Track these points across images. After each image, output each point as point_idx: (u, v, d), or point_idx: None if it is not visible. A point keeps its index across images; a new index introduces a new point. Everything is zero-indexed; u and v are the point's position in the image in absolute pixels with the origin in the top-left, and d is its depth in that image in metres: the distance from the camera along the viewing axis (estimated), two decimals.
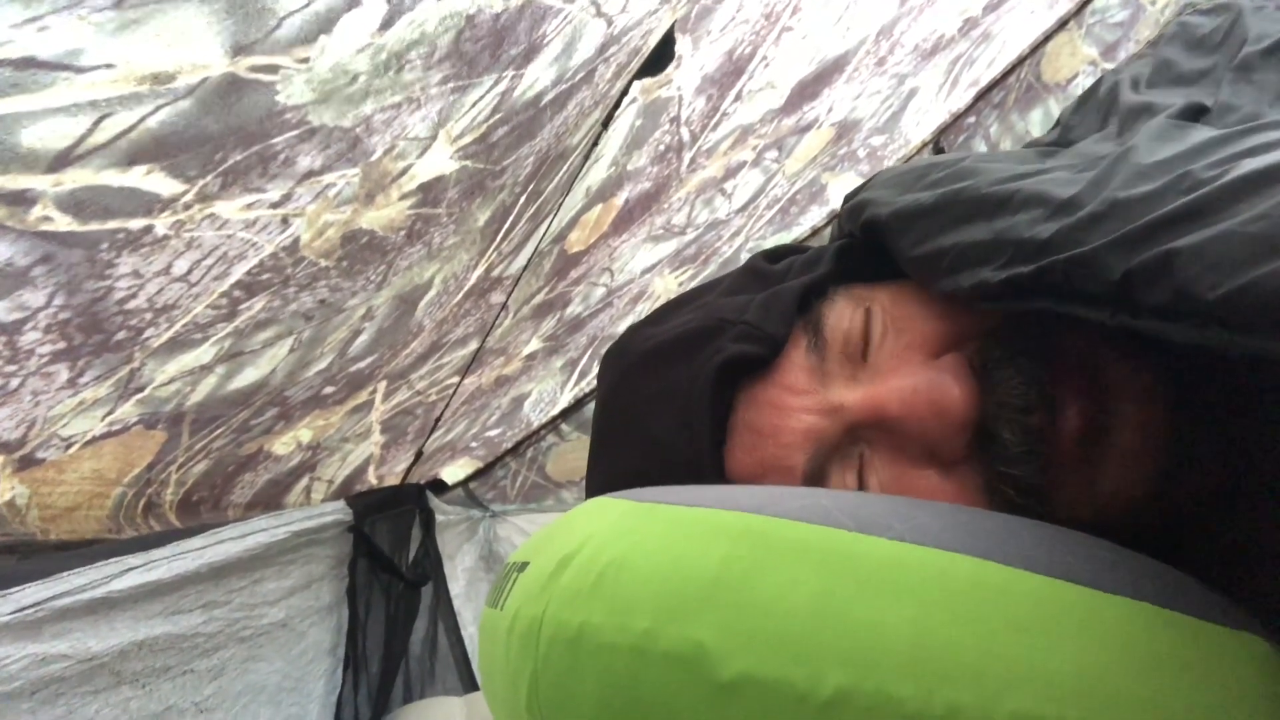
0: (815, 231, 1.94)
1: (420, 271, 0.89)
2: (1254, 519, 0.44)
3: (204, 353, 0.68)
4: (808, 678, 0.30)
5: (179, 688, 0.81)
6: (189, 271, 0.55)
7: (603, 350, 1.83)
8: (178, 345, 0.64)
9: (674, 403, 0.48)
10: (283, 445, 1.02)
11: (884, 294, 0.49)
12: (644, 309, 1.74)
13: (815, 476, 0.46)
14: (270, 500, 1.07)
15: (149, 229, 0.48)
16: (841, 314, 0.48)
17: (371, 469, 1.35)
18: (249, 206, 0.52)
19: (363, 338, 0.92)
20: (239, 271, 0.59)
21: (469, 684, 1.19)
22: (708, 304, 0.53)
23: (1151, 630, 0.31)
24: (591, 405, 1.98)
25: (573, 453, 1.93)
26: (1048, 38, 1.94)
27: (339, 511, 1.07)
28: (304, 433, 1.03)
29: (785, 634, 0.31)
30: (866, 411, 0.45)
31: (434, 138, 0.62)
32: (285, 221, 0.58)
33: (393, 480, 1.38)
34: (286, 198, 0.55)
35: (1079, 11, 1.93)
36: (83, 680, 0.73)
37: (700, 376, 0.47)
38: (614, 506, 0.41)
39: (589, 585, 0.35)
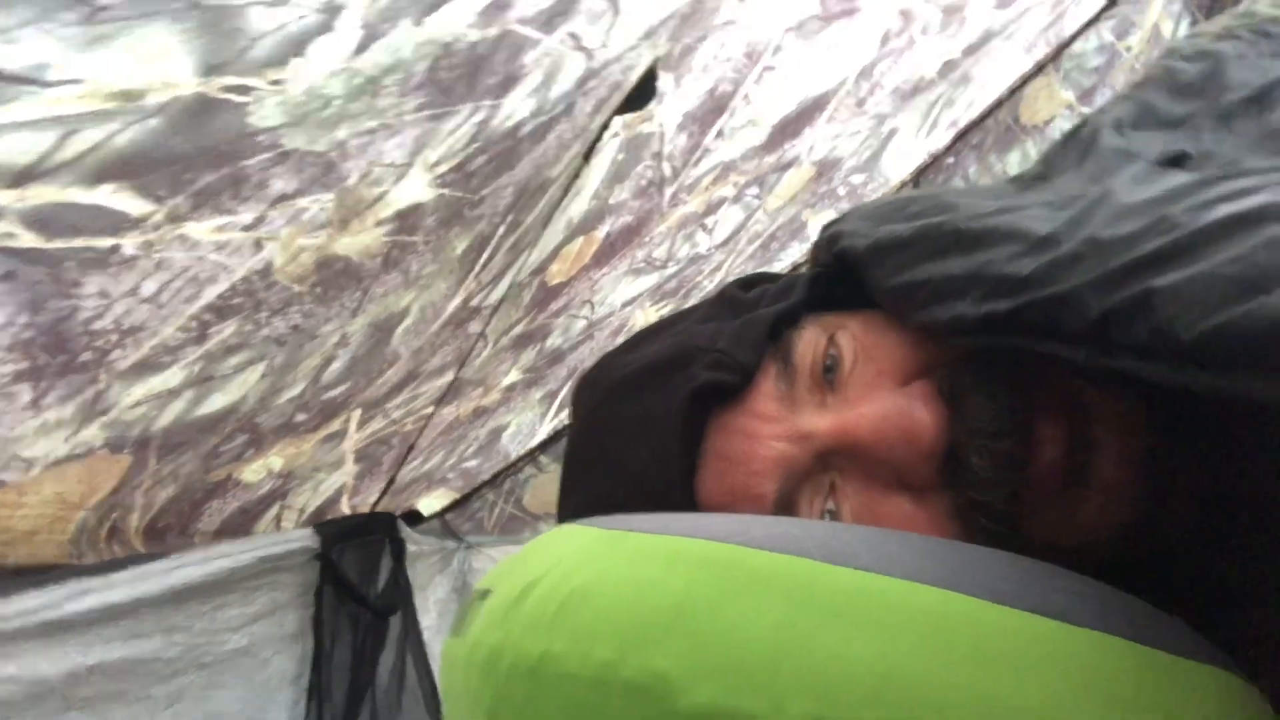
0: (796, 267, 1.96)
1: (397, 299, 0.88)
2: (1238, 556, 0.44)
3: (172, 376, 0.67)
4: (769, 708, 0.30)
5: (134, 714, 0.79)
6: (158, 293, 0.55)
7: None
8: (145, 368, 0.63)
9: (646, 431, 0.48)
10: (253, 473, 1.00)
11: (855, 322, 0.49)
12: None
13: (785, 504, 0.45)
14: (239, 528, 1.05)
15: (116, 248, 0.47)
16: (810, 342, 0.48)
17: (345, 499, 1.33)
18: (220, 229, 0.52)
19: (336, 365, 0.91)
20: (210, 294, 0.59)
21: (435, 716, 1.17)
22: (680, 331, 0.53)
23: (1120, 665, 0.31)
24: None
25: (550, 485, 1.92)
26: (1026, 81, 1.97)
27: (306, 538, 1.06)
28: (275, 460, 1.02)
29: (747, 664, 0.31)
30: (836, 439, 0.45)
31: (410, 165, 0.62)
32: (258, 245, 0.57)
33: (366, 510, 1.36)
34: (259, 220, 0.54)
35: (1056, 56, 1.98)
36: (31, 704, 0.71)
37: (671, 405, 0.47)
38: (579, 534, 0.41)
39: (551, 613, 0.35)
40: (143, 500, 0.83)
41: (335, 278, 0.71)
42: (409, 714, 1.14)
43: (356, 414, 1.11)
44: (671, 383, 0.48)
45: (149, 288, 0.54)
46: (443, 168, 0.67)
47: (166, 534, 0.92)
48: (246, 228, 0.54)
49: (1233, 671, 0.34)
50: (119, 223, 0.45)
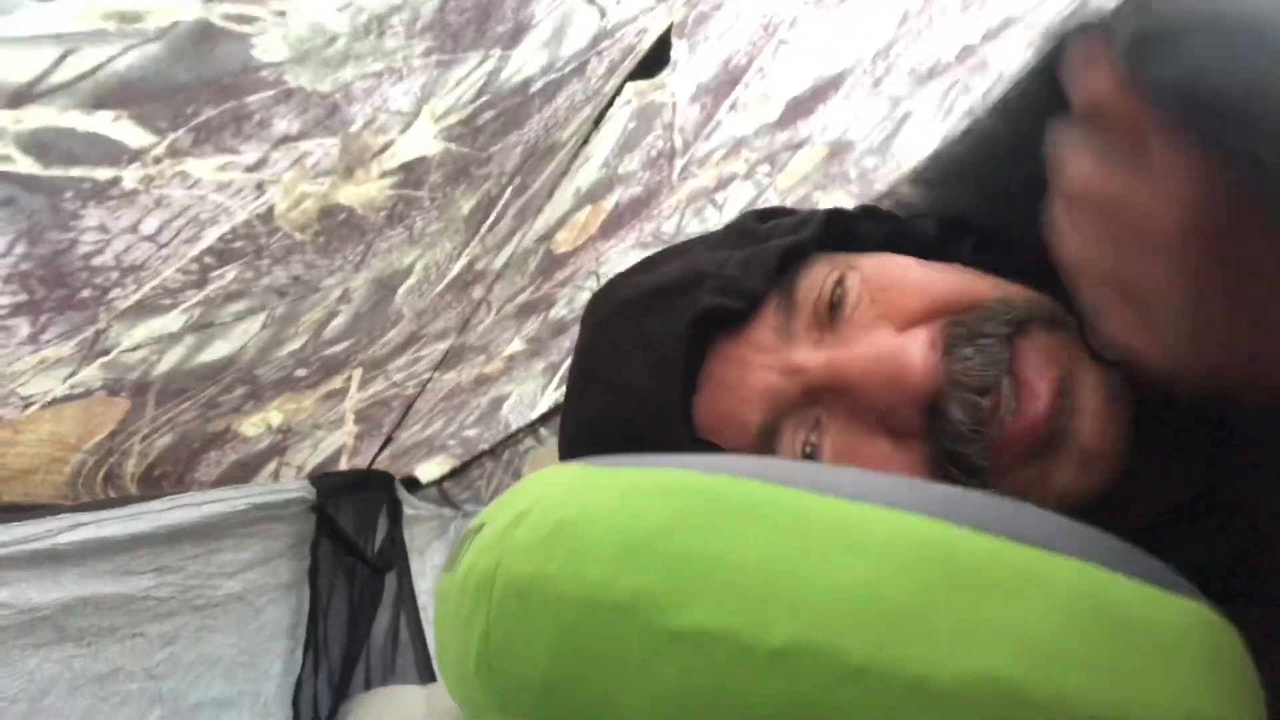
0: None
1: (400, 256, 0.88)
2: (1221, 537, 0.44)
3: (172, 320, 0.67)
4: (756, 628, 0.30)
5: (127, 650, 0.80)
6: (158, 231, 0.54)
7: None
8: (145, 309, 0.63)
9: (649, 351, 0.48)
10: (252, 426, 1.01)
11: (868, 263, 0.49)
12: None
13: (768, 434, 0.46)
14: (237, 481, 1.05)
15: (116, 181, 0.47)
16: (818, 278, 0.48)
17: (344, 459, 1.34)
18: (222, 167, 0.52)
19: (338, 320, 0.91)
20: (211, 236, 0.59)
21: (427, 677, 1.17)
22: (690, 257, 0.53)
23: (1100, 592, 0.31)
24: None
25: (550, 457, 1.92)
26: None
27: (302, 489, 1.06)
28: (274, 415, 1.02)
29: (735, 585, 0.31)
30: (826, 375, 0.45)
31: (417, 114, 0.62)
32: (260, 188, 0.57)
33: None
34: (262, 162, 0.54)
35: None
36: (22, 632, 0.72)
37: (675, 328, 0.47)
38: (570, 470, 0.41)
39: (543, 537, 0.35)
40: (140, 446, 0.83)
41: (338, 228, 0.71)
42: (402, 674, 1.15)
43: (358, 373, 1.11)
44: (676, 306, 0.48)
45: (149, 225, 0.53)
46: (450, 120, 0.66)
47: (163, 482, 0.92)
48: (249, 168, 0.54)
49: (1203, 602, 0.34)
50: (118, 153, 0.45)
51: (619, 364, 0.50)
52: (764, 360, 0.47)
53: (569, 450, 0.54)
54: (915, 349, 0.43)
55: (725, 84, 1.22)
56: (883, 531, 0.32)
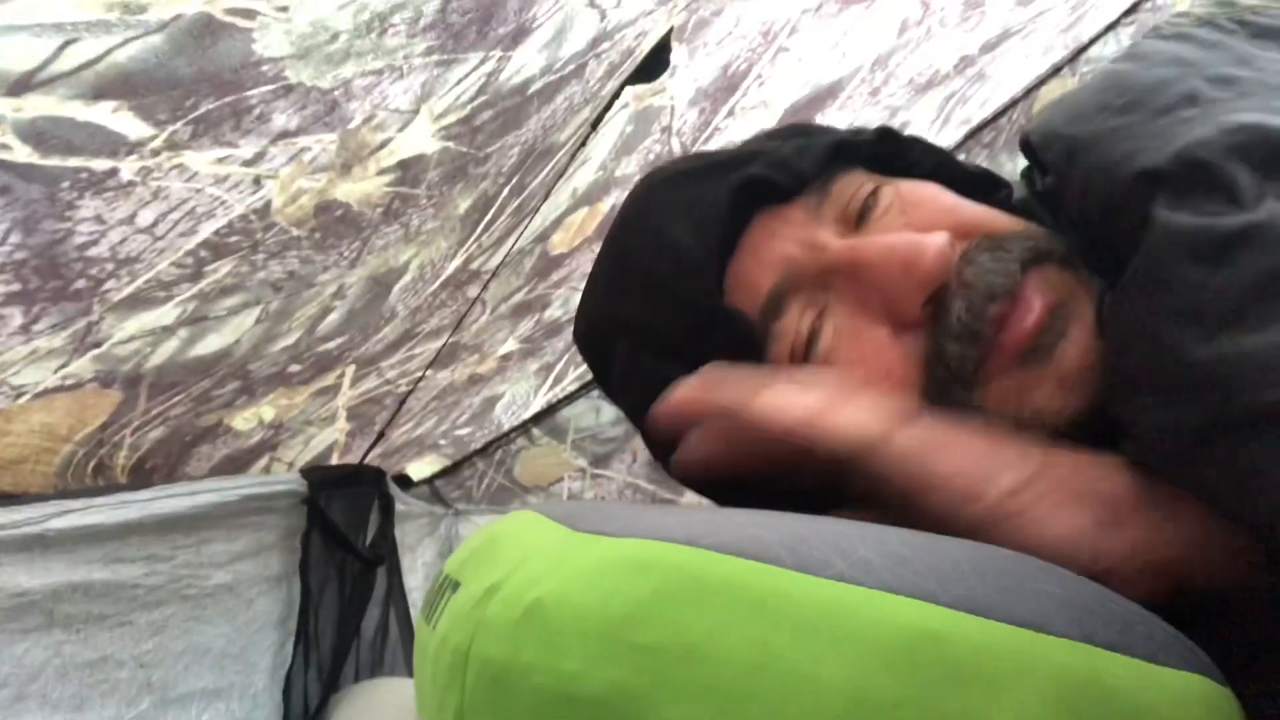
0: None
1: (396, 254, 0.88)
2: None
3: (166, 313, 0.67)
4: None
5: (117, 638, 0.79)
6: (154, 224, 0.54)
7: (578, 358, 1.83)
8: (139, 302, 0.63)
9: (693, 212, 0.50)
10: (243, 421, 1.00)
11: (905, 184, 0.50)
12: None
13: (775, 302, 0.48)
14: (227, 475, 1.05)
15: (114, 172, 0.47)
16: (854, 181, 0.50)
17: (336, 456, 1.33)
18: (220, 161, 0.52)
19: (333, 317, 0.91)
20: (207, 230, 0.59)
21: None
22: (745, 144, 0.56)
23: (1094, 677, 0.30)
24: (564, 412, 1.97)
25: (542, 458, 1.92)
26: (1041, 82, 1.96)
27: (293, 482, 1.06)
28: (266, 410, 1.02)
29: (715, 685, 0.30)
30: (843, 258, 0.47)
31: (416, 112, 0.62)
32: (257, 182, 0.57)
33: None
34: (260, 156, 0.54)
35: (1073, 59, 1.96)
36: (10, 617, 0.71)
37: (723, 192, 0.49)
38: (543, 531, 0.40)
39: (516, 619, 0.34)
40: (131, 439, 0.83)
41: (334, 224, 0.71)
42: (390, 670, 1.15)
43: (351, 370, 1.11)
44: (727, 175, 0.50)
45: (146, 217, 0.53)
46: (448, 119, 0.66)
47: (153, 475, 0.92)
48: (246, 163, 0.54)
49: (1209, 676, 0.33)
50: (117, 144, 0.45)
51: (662, 222, 0.51)
52: (789, 232, 0.49)
53: (589, 304, 0.57)
54: (932, 241, 0.44)
55: (724, 89, 1.22)
56: (869, 619, 0.31)
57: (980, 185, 0.54)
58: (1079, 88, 0.52)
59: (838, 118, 1.56)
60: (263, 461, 1.13)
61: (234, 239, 0.61)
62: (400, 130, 0.62)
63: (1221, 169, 0.37)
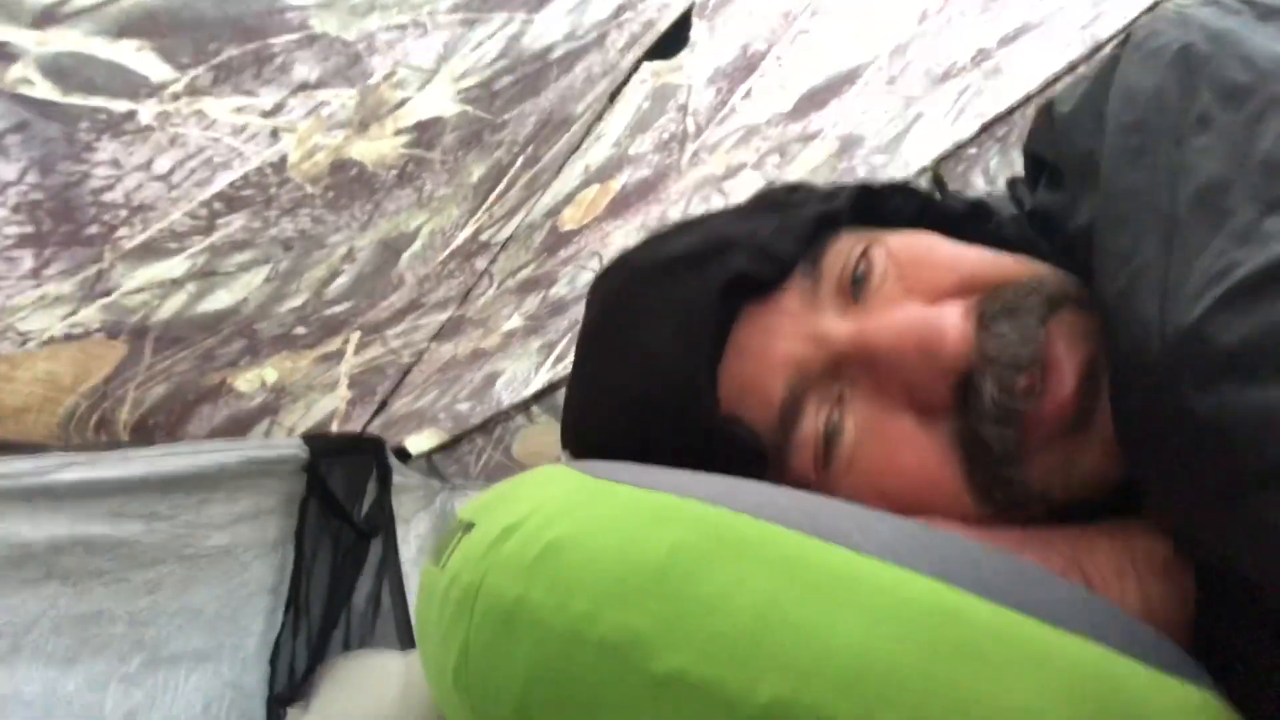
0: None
1: (408, 219, 0.87)
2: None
3: (176, 265, 0.66)
4: (743, 682, 0.29)
5: (113, 594, 0.79)
6: (171, 171, 0.54)
7: None
8: (150, 252, 0.62)
9: (674, 316, 0.46)
10: (247, 382, 1.00)
11: (894, 239, 0.47)
12: None
13: (792, 406, 0.44)
14: (229, 436, 1.05)
15: (133, 114, 0.46)
16: (843, 250, 0.47)
17: (335, 424, 1.33)
18: (239, 110, 0.51)
19: (341, 280, 0.90)
20: (222, 181, 0.58)
21: (407, 644, 1.17)
22: (714, 227, 0.51)
23: (1102, 675, 0.30)
24: (563, 392, 1.97)
25: (540, 436, 1.92)
26: (1057, 79, 1.95)
27: (295, 447, 1.05)
28: (270, 372, 1.01)
29: (726, 634, 0.30)
30: (853, 345, 0.44)
31: (436, 71, 0.61)
32: (275, 135, 0.56)
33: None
34: (279, 108, 0.54)
35: (1090, 57, 1.95)
36: (10, 567, 0.71)
37: (704, 291, 0.45)
38: (566, 478, 0.40)
39: (530, 559, 0.34)
40: (134, 394, 0.82)
41: (348, 184, 0.70)
42: (381, 640, 1.15)
43: (356, 336, 1.10)
44: (706, 270, 0.46)
45: (162, 164, 0.53)
46: (468, 81, 0.66)
47: (155, 433, 0.91)
48: (265, 113, 0.53)
49: (1213, 693, 0.33)
50: (137, 86, 0.44)
51: (640, 328, 0.47)
52: (790, 328, 0.45)
53: (576, 428, 0.52)
54: (949, 318, 0.42)
55: (742, 70, 1.21)
56: (885, 589, 0.31)
57: (968, 220, 0.51)
58: (1077, 82, 0.51)
59: (854, 105, 1.55)
60: (263, 425, 1.13)
61: (248, 192, 0.61)
62: (419, 89, 0.61)
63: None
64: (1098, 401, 0.40)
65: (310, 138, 0.59)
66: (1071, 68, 1.97)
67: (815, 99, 1.41)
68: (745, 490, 0.36)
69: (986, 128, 1.97)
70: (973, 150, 2.00)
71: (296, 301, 0.88)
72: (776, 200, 0.52)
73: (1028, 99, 1.97)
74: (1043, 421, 0.40)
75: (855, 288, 0.45)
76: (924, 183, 2.07)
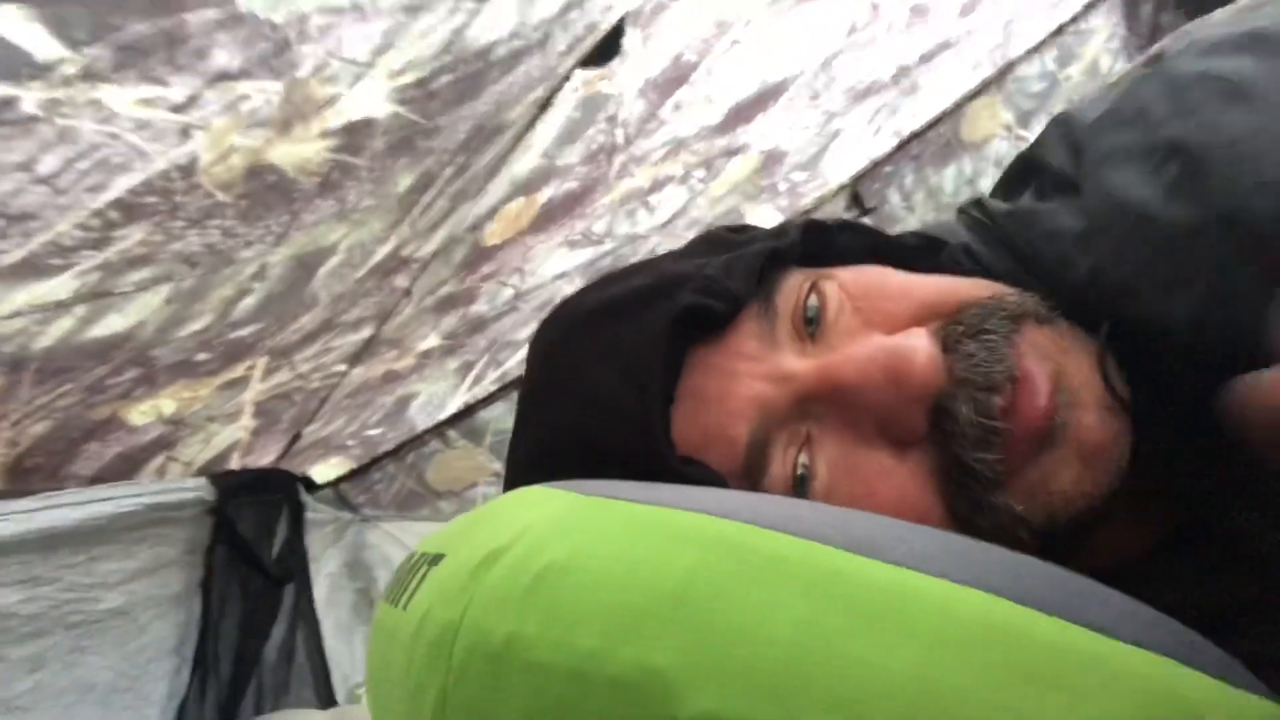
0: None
1: (326, 232, 0.80)
2: (1215, 582, 0.42)
3: (62, 285, 0.57)
4: None
5: None
6: (58, 173, 0.46)
7: (500, 357, 1.76)
8: (31, 269, 0.53)
9: (621, 358, 0.43)
10: (140, 414, 0.90)
11: (845, 273, 0.46)
12: None
13: (758, 450, 0.42)
14: (118, 476, 0.95)
15: (13, 102, 0.38)
16: (794, 287, 0.45)
17: (237, 456, 1.23)
18: (145, 102, 0.43)
19: (249, 300, 0.82)
20: (120, 186, 0.50)
21: (326, 700, 1.07)
22: (659, 268, 0.49)
23: (1173, 689, 0.28)
24: (482, 414, 1.89)
25: (457, 461, 1.84)
26: (970, 98, 1.98)
27: (200, 489, 0.95)
28: (167, 403, 0.92)
29: (762, 667, 0.26)
30: (819, 381, 0.42)
31: (371, 65, 0.54)
32: (185, 133, 0.49)
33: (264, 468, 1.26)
34: (192, 101, 0.46)
35: (1001, 77, 1.99)
36: None
37: (653, 329, 0.43)
38: (553, 497, 0.36)
39: (523, 588, 0.29)
40: (10, 433, 0.72)
41: (265, 193, 0.63)
42: (296, 694, 1.05)
43: (263, 361, 1.01)
44: (653, 309, 0.44)
45: (48, 164, 0.44)
46: (406, 79, 0.59)
47: (33, 476, 0.81)
48: (176, 107, 0.45)
49: (1267, 697, 0.31)
50: (19, 66, 0.36)
51: (586, 373, 0.45)
52: (749, 368, 0.43)
53: (522, 481, 0.48)
54: (916, 343, 0.40)
55: (673, 80, 1.18)
56: (937, 608, 0.27)
57: (919, 254, 0.50)
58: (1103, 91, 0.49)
59: (778, 119, 1.54)
60: (157, 461, 1.03)
61: (151, 200, 0.53)
62: (351, 86, 0.54)
63: None
64: (1070, 413, 0.39)
65: (226, 137, 0.51)
66: (983, 87, 2.01)
67: (743, 112, 1.40)
68: (762, 503, 0.33)
69: (902, 145, 1.99)
70: (889, 168, 2.02)
71: (199, 324, 0.79)
72: (721, 239, 0.50)
73: (941, 117, 2.00)
74: (1021, 438, 0.39)
75: (809, 325, 0.44)
76: (843, 200, 2.09)
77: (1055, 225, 0.45)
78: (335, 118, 0.57)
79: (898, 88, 1.77)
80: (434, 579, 0.34)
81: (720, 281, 0.43)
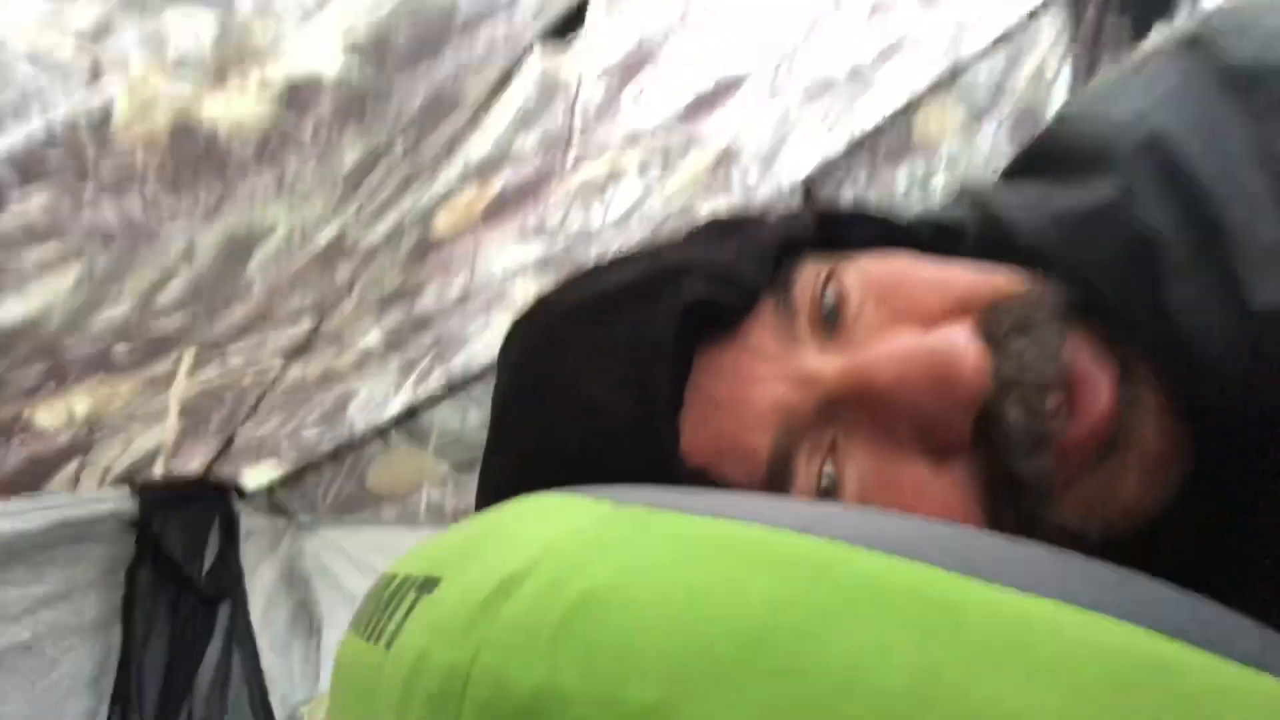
0: None
1: (264, 210, 0.72)
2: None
3: None
4: None
5: None
6: None
7: (446, 355, 1.69)
8: None
9: (619, 358, 0.39)
10: (50, 415, 0.82)
11: (866, 259, 0.42)
12: (498, 318, 1.61)
13: (780, 461, 0.37)
14: (25, 486, 0.88)
15: None
16: (812, 274, 0.40)
17: (162, 461, 1.14)
18: (45, 23, 0.36)
19: (176, 284, 0.75)
20: (15, 135, 0.42)
21: None
22: (657, 257, 0.44)
23: None
24: (426, 416, 1.82)
25: (399, 464, 1.78)
26: (921, 98, 1.98)
27: (120, 501, 0.86)
28: (80, 402, 0.84)
29: None
30: (848, 382, 0.37)
31: (322, 9, 0.47)
32: (96, 72, 0.41)
33: (190, 475, 1.17)
34: (104, 30, 0.38)
35: (952, 79, 1.99)
36: None
37: (657, 325, 0.38)
38: (581, 508, 0.29)
39: (552, 625, 0.24)
40: None
41: (194, 160, 0.55)
42: None
43: (190, 355, 0.94)
44: (654, 303, 0.39)
45: None
46: (360, 29, 0.52)
47: None
48: (85, 36, 0.38)
49: None
50: None
51: (576, 377, 0.39)
52: (768, 370, 0.38)
53: (495, 499, 0.42)
54: (960, 340, 0.36)
55: (634, 66, 1.14)
56: (1071, 644, 0.23)
57: (939, 241, 0.46)
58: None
59: (736, 115, 1.51)
60: (70, 467, 0.96)
61: (54, 155, 0.45)
62: (299, 30, 0.47)
63: None
64: (1135, 416, 0.36)
65: (148, 84, 0.44)
66: (934, 86, 2.00)
67: (703, 105, 1.37)
68: (841, 513, 0.28)
69: (856, 144, 1.97)
70: (842, 167, 2.01)
71: (117, 311, 0.72)
72: (727, 224, 0.46)
73: (894, 116, 1.99)
74: (1077, 446, 0.35)
75: (828, 318, 0.39)
76: (797, 198, 2.06)
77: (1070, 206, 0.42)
78: (277, 69, 0.50)
79: (852, 85, 1.75)
80: (429, 610, 0.28)
81: (734, 272, 0.39)
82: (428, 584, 0.29)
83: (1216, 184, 0.37)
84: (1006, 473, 0.35)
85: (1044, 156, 0.46)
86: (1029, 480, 0.35)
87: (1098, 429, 0.35)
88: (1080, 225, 0.39)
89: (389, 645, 0.28)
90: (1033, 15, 2.07)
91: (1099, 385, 0.36)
